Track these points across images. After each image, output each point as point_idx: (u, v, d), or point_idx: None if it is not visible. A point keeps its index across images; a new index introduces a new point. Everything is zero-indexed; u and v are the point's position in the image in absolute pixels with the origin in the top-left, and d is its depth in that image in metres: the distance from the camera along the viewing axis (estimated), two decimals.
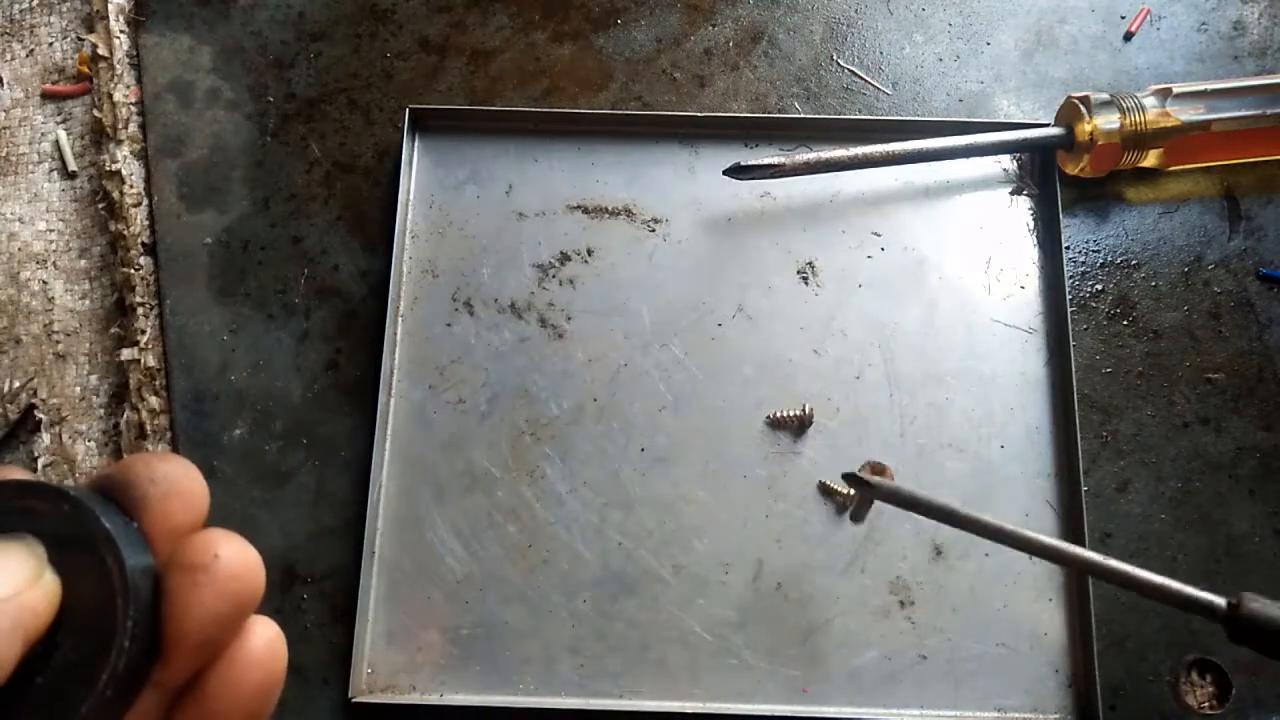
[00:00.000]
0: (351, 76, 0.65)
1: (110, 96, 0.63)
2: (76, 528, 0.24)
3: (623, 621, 0.55)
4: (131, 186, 0.62)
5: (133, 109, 0.64)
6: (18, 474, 0.25)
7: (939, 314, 0.60)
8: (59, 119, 0.66)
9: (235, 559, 0.25)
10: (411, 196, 0.62)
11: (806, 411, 0.57)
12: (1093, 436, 0.57)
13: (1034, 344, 0.59)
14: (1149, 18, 0.66)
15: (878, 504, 0.54)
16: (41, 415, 0.60)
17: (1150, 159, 0.60)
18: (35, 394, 0.61)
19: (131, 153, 0.63)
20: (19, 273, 0.63)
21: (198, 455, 0.58)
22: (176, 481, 0.26)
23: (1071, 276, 0.60)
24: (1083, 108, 0.59)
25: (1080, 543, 0.55)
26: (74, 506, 0.24)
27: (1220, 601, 0.40)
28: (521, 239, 0.61)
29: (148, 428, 0.58)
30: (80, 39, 0.67)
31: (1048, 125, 0.61)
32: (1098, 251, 0.61)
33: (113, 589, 0.23)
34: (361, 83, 0.65)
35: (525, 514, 0.56)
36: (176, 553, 0.25)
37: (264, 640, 0.26)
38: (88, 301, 0.62)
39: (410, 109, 0.62)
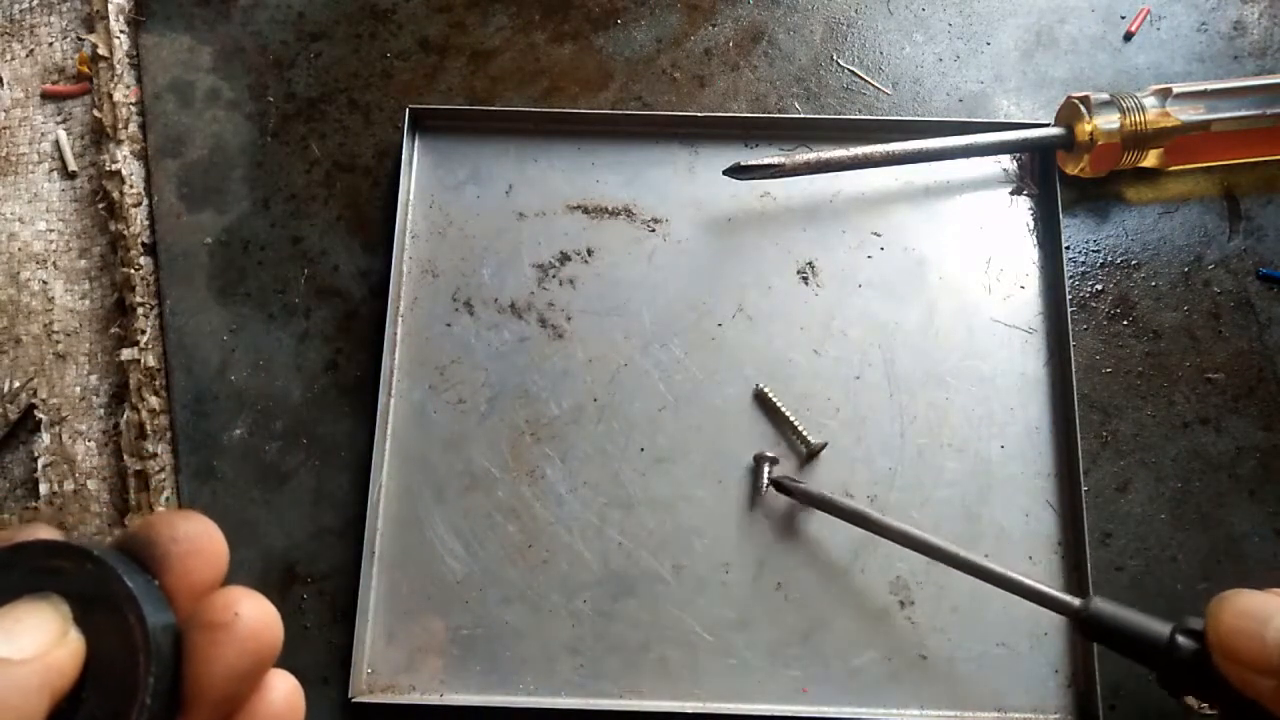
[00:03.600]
0: (351, 76, 0.65)
1: (110, 96, 0.63)
2: (100, 586, 0.24)
3: (623, 621, 0.55)
4: (131, 186, 0.62)
5: (133, 109, 0.64)
6: (45, 533, 0.25)
7: (939, 314, 0.60)
8: (59, 119, 0.66)
9: (255, 617, 0.25)
10: (411, 196, 0.62)
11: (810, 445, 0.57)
12: (1093, 436, 0.57)
13: (1034, 344, 0.59)
14: (1149, 18, 0.66)
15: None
16: (41, 415, 0.60)
17: (1150, 159, 0.60)
18: (35, 394, 0.61)
19: (131, 153, 0.63)
20: (19, 273, 0.63)
21: (198, 455, 0.58)
22: (197, 540, 0.26)
23: (1071, 276, 0.60)
24: (1083, 108, 0.59)
25: (1080, 543, 0.55)
26: (97, 566, 0.24)
27: (1075, 602, 0.45)
28: (521, 239, 0.61)
29: (148, 428, 0.58)
30: (80, 39, 0.67)
31: (1048, 125, 0.61)
32: (1098, 251, 0.61)
33: (135, 647, 0.24)
34: (361, 83, 0.65)
35: (525, 514, 0.56)
36: (198, 611, 0.25)
37: (282, 694, 0.27)
38: (88, 301, 0.62)
39: (410, 109, 0.62)
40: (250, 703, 0.26)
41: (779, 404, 0.57)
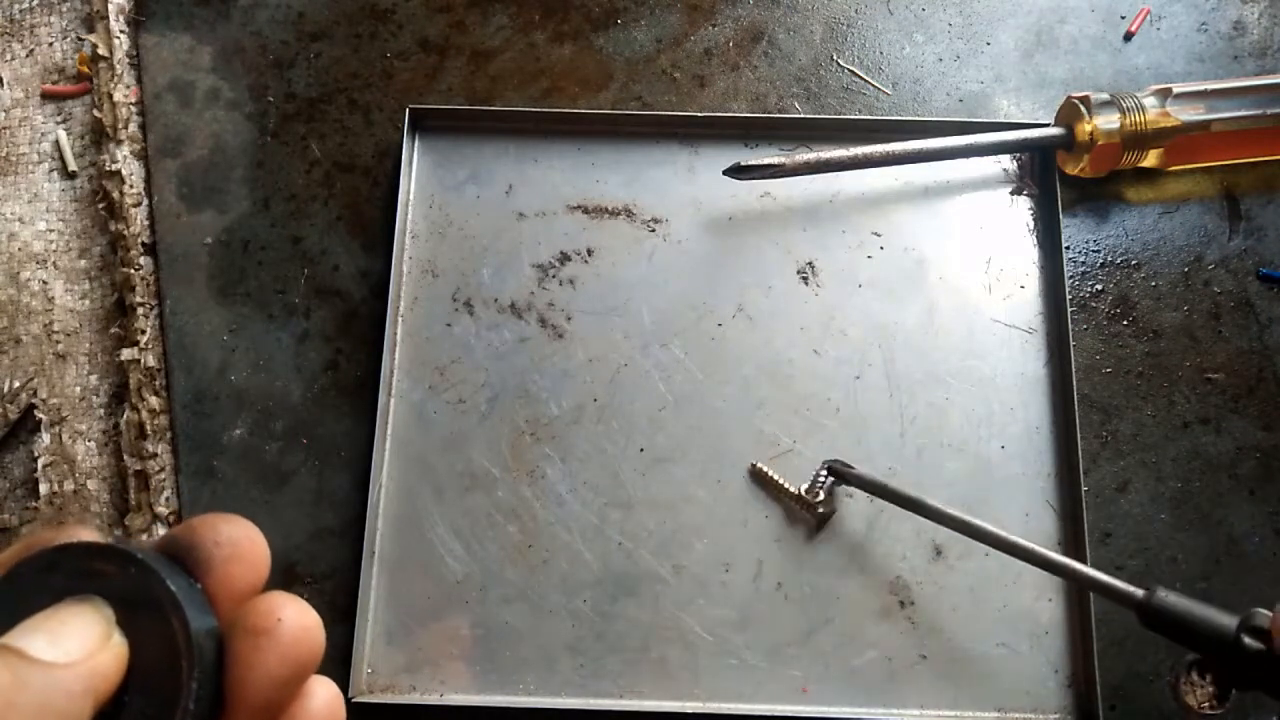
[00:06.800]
0: (351, 76, 0.65)
1: (110, 96, 0.63)
2: (143, 590, 0.24)
3: (623, 621, 0.55)
4: (131, 186, 0.62)
5: (133, 109, 0.64)
6: (86, 535, 0.25)
7: (939, 314, 0.60)
8: (59, 119, 0.66)
9: (298, 622, 0.25)
10: (411, 196, 0.62)
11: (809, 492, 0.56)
12: (1093, 436, 0.57)
13: (1034, 344, 0.59)
14: (1149, 18, 0.66)
15: (872, 507, 0.55)
16: (41, 415, 0.60)
17: (1150, 159, 0.60)
18: (35, 394, 0.61)
19: (131, 153, 0.63)
20: (19, 273, 0.63)
21: (198, 455, 0.58)
22: (239, 544, 0.26)
23: (1071, 276, 0.60)
24: (1083, 108, 0.59)
25: (1080, 543, 0.55)
26: (140, 569, 0.24)
27: (1138, 593, 0.44)
28: (521, 239, 0.61)
29: (148, 428, 0.58)
30: (80, 39, 0.67)
31: (1048, 125, 0.61)
32: (1098, 251, 0.61)
33: (178, 651, 0.24)
34: (361, 83, 0.65)
35: (525, 514, 0.56)
36: (241, 616, 0.25)
37: (323, 701, 0.26)
38: (88, 301, 0.62)
39: (410, 109, 0.62)
40: (291, 709, 0.26)
41: (778, 479, 0.56)
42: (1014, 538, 0.48)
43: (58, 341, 0.61)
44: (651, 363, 0.59)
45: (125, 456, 0.58)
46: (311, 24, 0.66)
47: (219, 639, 0.25)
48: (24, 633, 0.23)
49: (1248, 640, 0.40)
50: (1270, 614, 0.40)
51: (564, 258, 0.61)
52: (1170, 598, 0.43)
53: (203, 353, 0.60)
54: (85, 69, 0.66)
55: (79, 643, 0.23)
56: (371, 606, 0.55)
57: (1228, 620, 0.41)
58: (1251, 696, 0.53)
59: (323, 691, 0.27)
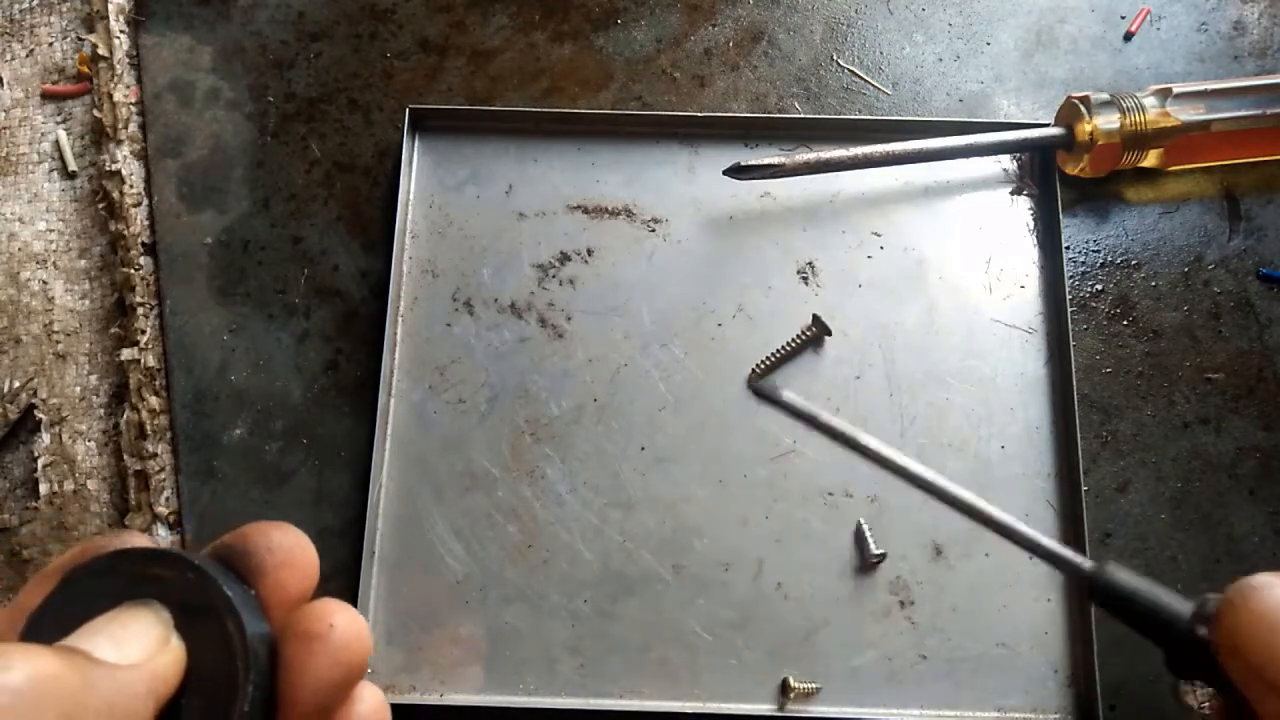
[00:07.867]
0: (351, 76, 0.65)
1: (110, 96, 0.63)
2: (199, 595, 0.25)
3: (623, 621, 0.55)
4: (131, 186, 0.62)
5: (133, 109, 0.64)
6: (142, 541, 0.26)
7: (939, 314, 0.60)
8: (59, 119, 0.66)
9: (349, 629, 0.25)
10: (411, 196, 0.62)
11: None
12: (1093, 436, 0.57)
13: (1034, 344, 0.59)
14: (1149, 18, 0.66)
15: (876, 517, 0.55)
16: (41, 415, 0.60)
17: (1150, 159, 0.60)
18: (35, 394, 0.61)
19: (131, 153, 0.63)
20: (19, 273, 0.63)
21: (198, 455, 0.58)
22: (291, 552, 0.27)
23: (1071, 276, 0.60)
24: (1083, 108, 0.59)
25: (1080, 543, 0.55)
26: (196, 574, 0.25)
27: (1086, 564, 0.41)
28: (521, 239, 0.61)
29: (148, 428, 0.58)
30: (80, 39, 0.67)
31: (1048, 125, 0.61)
32: (1098, 251, 0.61)
33: (234, 654, 0.24)
34: (361, 83, 0.65)
35: (525, 514, 0.56)
36: (293, 621, 0.26)
37: (370, 706, 0.27)
38: (88, 301, 0.62)
39: (410, 109, 0.62)
40: (340, 712, 0.26)
41: (774, 355, 0.59)
42: (947, 483, 0.44)
43: (58, 341, 0.61)
44: (651, 363, 0.59)
45: (125, 456, 0.58)
46: (311, 24, 0.66)
47: (272, 644, 0.25)
48: (87, 635, 0.23)
49: (1202, 631, 0.36)
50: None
51: (564, 258, 0.61)
52: (1121, 574, 0.39)
53: (203, 353, 0.60)
54: (85, 69, 0.66)
55: (140, 645, 0.23)
56: (371, 606, 0.55)
57: (1181, 606, 0.38)
58: None
59: (370, 696, 0.27)
